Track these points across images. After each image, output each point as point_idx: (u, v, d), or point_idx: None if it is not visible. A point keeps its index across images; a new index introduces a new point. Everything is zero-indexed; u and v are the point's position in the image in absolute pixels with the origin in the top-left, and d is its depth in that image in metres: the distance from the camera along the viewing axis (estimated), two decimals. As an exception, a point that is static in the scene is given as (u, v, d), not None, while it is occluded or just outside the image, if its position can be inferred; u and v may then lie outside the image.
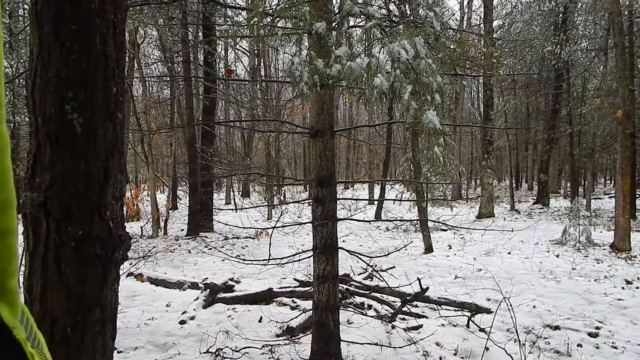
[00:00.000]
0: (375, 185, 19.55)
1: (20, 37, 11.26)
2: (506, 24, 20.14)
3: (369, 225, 11.72)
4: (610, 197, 19.18)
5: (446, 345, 4.26)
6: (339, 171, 31.15)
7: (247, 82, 14.94)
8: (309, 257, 3.83)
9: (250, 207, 5.13)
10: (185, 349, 4.20)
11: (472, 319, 4.81)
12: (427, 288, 5.10)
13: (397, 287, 5.35)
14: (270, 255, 4.03)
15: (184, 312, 5.03)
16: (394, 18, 3.94)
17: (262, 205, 14.79)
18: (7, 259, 0.31)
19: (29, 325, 0.33)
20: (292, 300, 5.50)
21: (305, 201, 4.77)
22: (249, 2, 12.34)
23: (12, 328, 0.29)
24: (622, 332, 4.75)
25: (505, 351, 3.79)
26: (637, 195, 13.33)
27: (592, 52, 16.87)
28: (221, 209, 14.74)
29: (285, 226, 4.60)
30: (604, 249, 9.06)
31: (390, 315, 4.91)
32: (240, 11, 10.93)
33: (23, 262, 1.59)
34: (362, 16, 3.21)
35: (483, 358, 3.84)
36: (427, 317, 5.06)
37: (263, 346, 4.14)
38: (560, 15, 16.78)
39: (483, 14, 16.19)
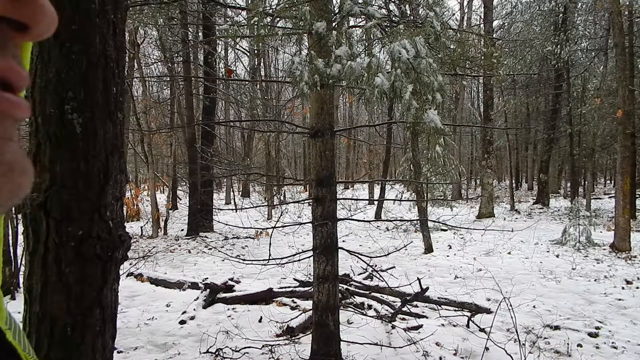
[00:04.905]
0: (375, 185, 19.54)
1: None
2: (506, 24, 20.13)
3: (369, 225, 11.72)
4: (610, 197, 19.17)
5: (446, 345, 4.25)
6: (339, 171, 31.13)
7: (247, 82, 14.94)
8: (309, 257, 3.82)
9: (250, 207, 5.12)
10: (185, 349, 4.20)
11: (472, 319, 4.81)
12: (427, 288, 5.10)
13: (397, 287, 5.35)
14: (270, 255, 4.03)
15: (184, 312, 5.03)
16: (394, 18, 3.94)
17: (262, 205, 14.81)
18: None
19: (17, 330, 0.33)
20: (292, 300, 5.49)
21: (305, 201, 4.77)
22: (249, 2, 12.32)
23: (4, 330, 0.30)
24: (622, 332, 4.74)
25: (505, 351, 3.79)
26: (637, 195, 13.33)
27: (592, 52, 16.86)
28: (221, 209, 14.74)
29: (285, 226, 4.61)
30: (604, 249, 9.05)
31: (390, 315, 4.91)
32: (240, 11, 10.93)
33: (23, 262, 1.59)
34: (362, 16, 3.21)
35: (483, 358, 3.84)
36: (427, 317, 5.05)
37: (263, 346, 4.14)
38: (560, 15, 16.77)
39: (483, 14, 16.20)
